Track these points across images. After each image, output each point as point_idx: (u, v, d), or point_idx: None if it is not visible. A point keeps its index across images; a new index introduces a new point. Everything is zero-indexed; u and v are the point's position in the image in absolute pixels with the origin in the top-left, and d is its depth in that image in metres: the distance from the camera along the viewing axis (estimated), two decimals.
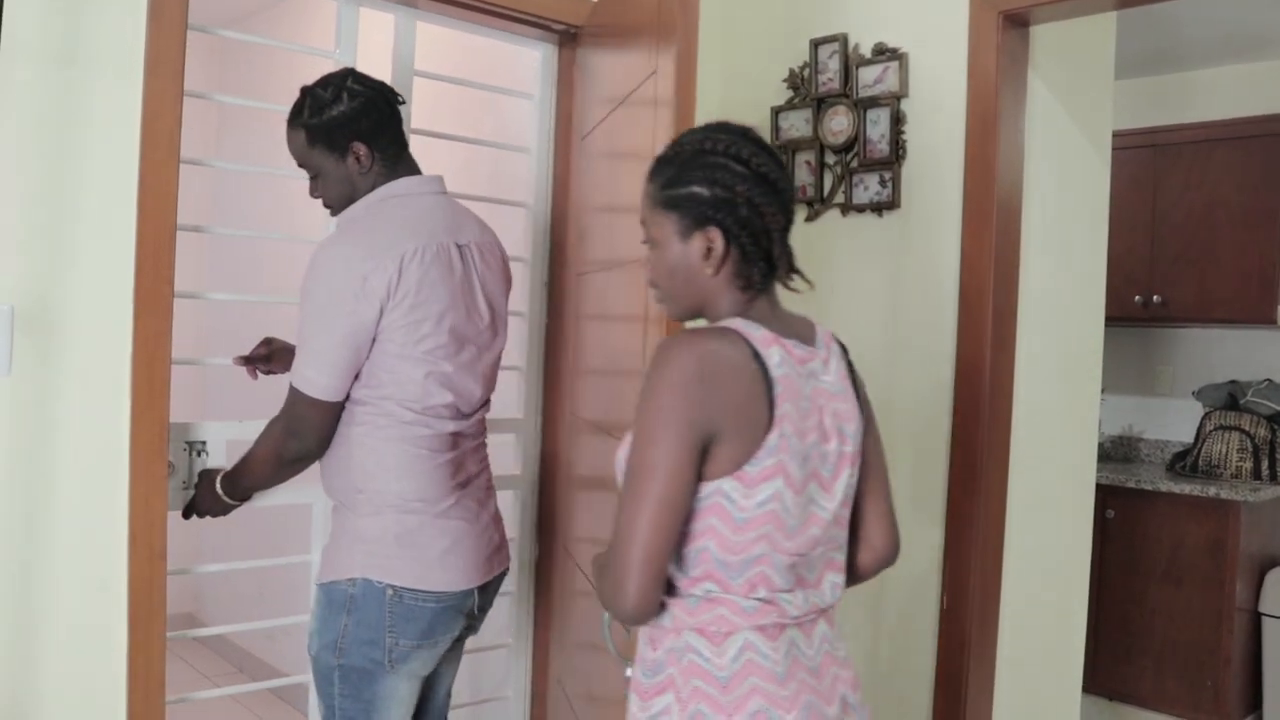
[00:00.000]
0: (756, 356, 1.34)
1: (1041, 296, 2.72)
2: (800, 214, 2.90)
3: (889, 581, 2.67)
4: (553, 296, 2.86)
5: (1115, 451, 4.79)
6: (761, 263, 1.43)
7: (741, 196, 1.40)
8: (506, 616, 2.89)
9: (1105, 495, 3.91)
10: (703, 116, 3.06)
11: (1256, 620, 3.99)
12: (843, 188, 2.80)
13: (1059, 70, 2.74)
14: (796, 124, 2.89)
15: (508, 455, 2.83)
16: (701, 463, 1.31)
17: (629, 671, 1.50)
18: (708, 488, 1.33)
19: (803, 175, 2.89)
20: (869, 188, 2.74)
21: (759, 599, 1.35)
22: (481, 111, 3.33)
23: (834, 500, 1.43)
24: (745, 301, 1.44)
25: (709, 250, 1.41)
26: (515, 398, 2.85)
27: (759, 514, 1.33)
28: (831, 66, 2.80)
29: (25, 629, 1.96)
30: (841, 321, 2.79)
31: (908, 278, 2.68)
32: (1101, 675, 4.08)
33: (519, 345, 2.83)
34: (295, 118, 2.03)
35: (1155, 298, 4.40)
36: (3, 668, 1.93)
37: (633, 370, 2.05)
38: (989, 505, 2.55)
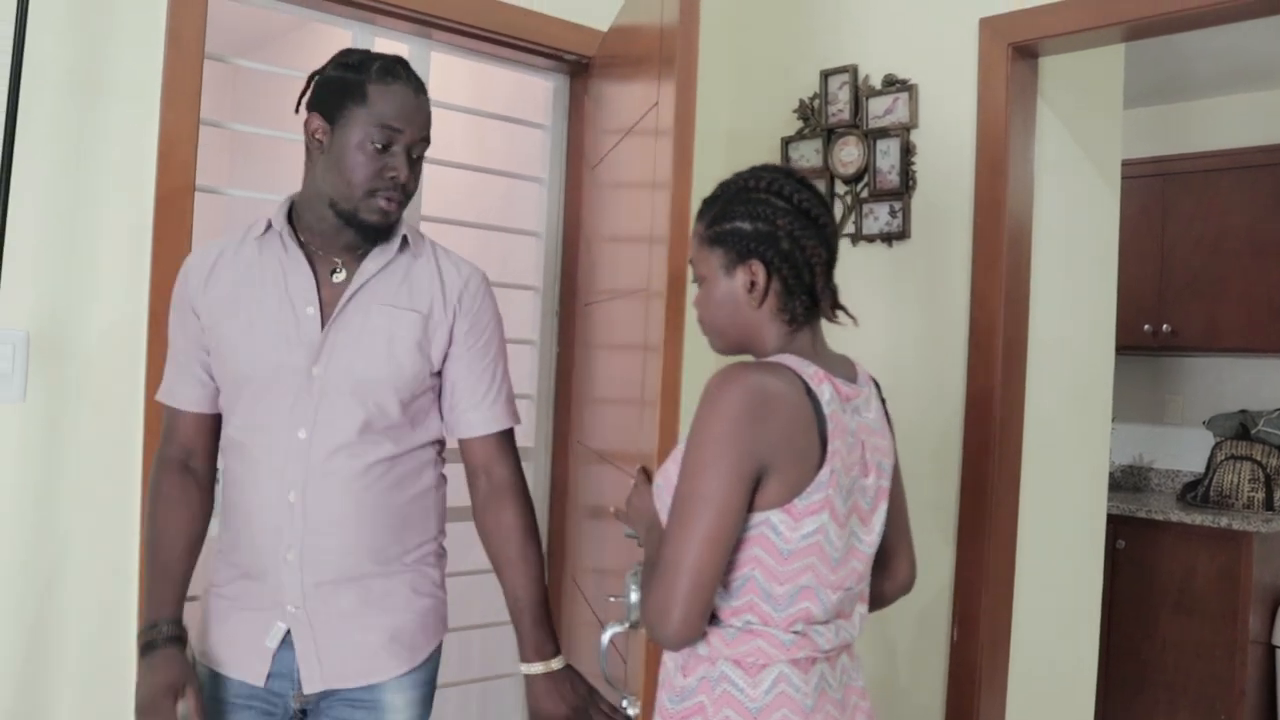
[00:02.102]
0: (809, 392, 1.37)
1: (1052, 326, 2.72)
2: None
3: (898, 614, 2.65)
4: (563, 325, 2.86)
5: (1125, 481, 4.78)
6: (804, 295, 1.46)
7: (783, 230, 1.44)
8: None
9: (1115, 525, 3.90)
10: (711, 147, 3.09)
11: (1270, 653, 3.96)
12: (853, 218, 2.81)
13: (1068, 100, 2.75)
14: (806, 154, 2.91)
15: None
16: (753, 490, 1.33)
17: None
18: (755, 518, 1.35)
19: None
20: (879, 218, 2.74)
21: (796, 633, 1.37)
22: (495, 140, 3.35)
23: (872, 533, 1.47)
24: (789, 336, 1.47)
25: (752, 283, 1.45)
26: (526, 425, 2.85)
27: (803, 546, 1.36)
28: (842, 97, 2.82)
29: (36, 656, 1.96)
30: (850, 351, 2.79)
31: (917, 307, 2.69)
32: (1113, 708, 4.05)
33: (530, 373, 2.83)
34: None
35: (1165, 326, 4.40)
36: (14, 695, 1.93)
37: (633, 399, 2.04)
38: (999, 537, 2.54)
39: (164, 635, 1.63)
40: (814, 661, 1.39)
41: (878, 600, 1.62)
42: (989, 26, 2.55)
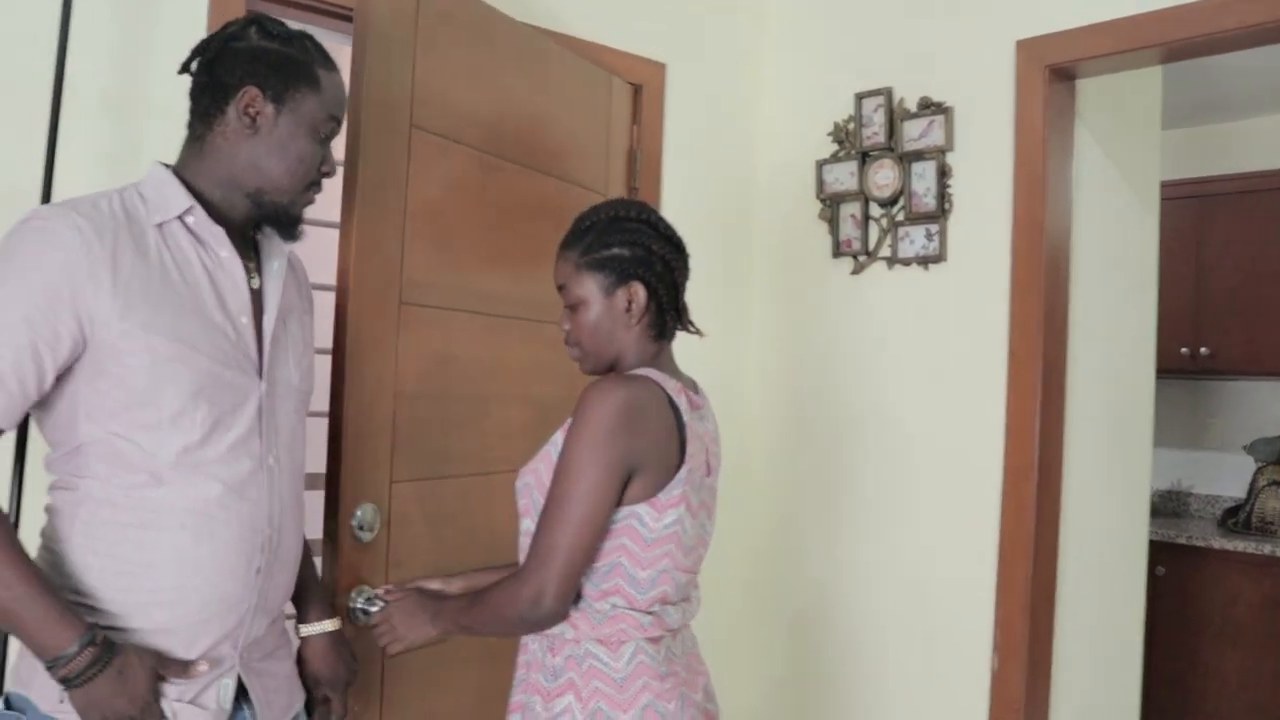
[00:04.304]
0: (670, 402, 1.54)
1: (1091, 350, 2.69)
2: (846, 266, 2.90)
3: (938, 642, 2.62)
4: None
5: (1164, 506, 4.70)
6: (672, 313, 1.64)
7: (656, 254, 1.61)
8: None
9: (1155, 552, 3.83)
10: (745, 169, 3.08)
11: None
12: (888, 241, 2.79)
13: (1106, 122, 2.73)
14: (841, 177, 2.89)
15: None
16: (622, 488, 1.51)
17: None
18: (623, 511, 1.52)
19: (848, 229, 2.88)
20: (915, 241, 2.72)
21: (652, 614, 1.56)
22: None
23: (712, 523, 1.68)
24: (654, 353, 1.64)
25: (630, 303, 1.60)
26: None
27: (664, 534, 1.54)
28: (876, 120, 2.80)
29: None
30: (887, 375, 2.77)
31: (955, 331, 2.66)
32: None
33: None
34: None
35: (1202, 349, 4.33)
36: None
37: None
38: (1040, 564, 2.50)
39: (100, 639, 1.32)
40: (662, 637, 1.58)
41: None
42: (1026, 49, 2.53)
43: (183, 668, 1.40)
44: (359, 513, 1.92)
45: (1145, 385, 3.05)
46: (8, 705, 1.40)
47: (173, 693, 1.40)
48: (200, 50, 1.50)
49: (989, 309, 2.58)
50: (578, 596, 1.55)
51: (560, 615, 1.52)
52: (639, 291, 1.60)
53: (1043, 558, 2.51)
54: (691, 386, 1.68)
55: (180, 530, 1.39)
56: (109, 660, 1.32)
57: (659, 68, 2.87)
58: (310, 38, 1.53)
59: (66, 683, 1.30)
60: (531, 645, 1.63)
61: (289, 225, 1.52)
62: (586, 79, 2.58)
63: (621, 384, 1.51)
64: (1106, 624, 2.84)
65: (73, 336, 1.33)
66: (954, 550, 2.61)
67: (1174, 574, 4.04)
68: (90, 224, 1.34)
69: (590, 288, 1.61)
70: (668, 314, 1.63)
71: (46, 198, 1.78)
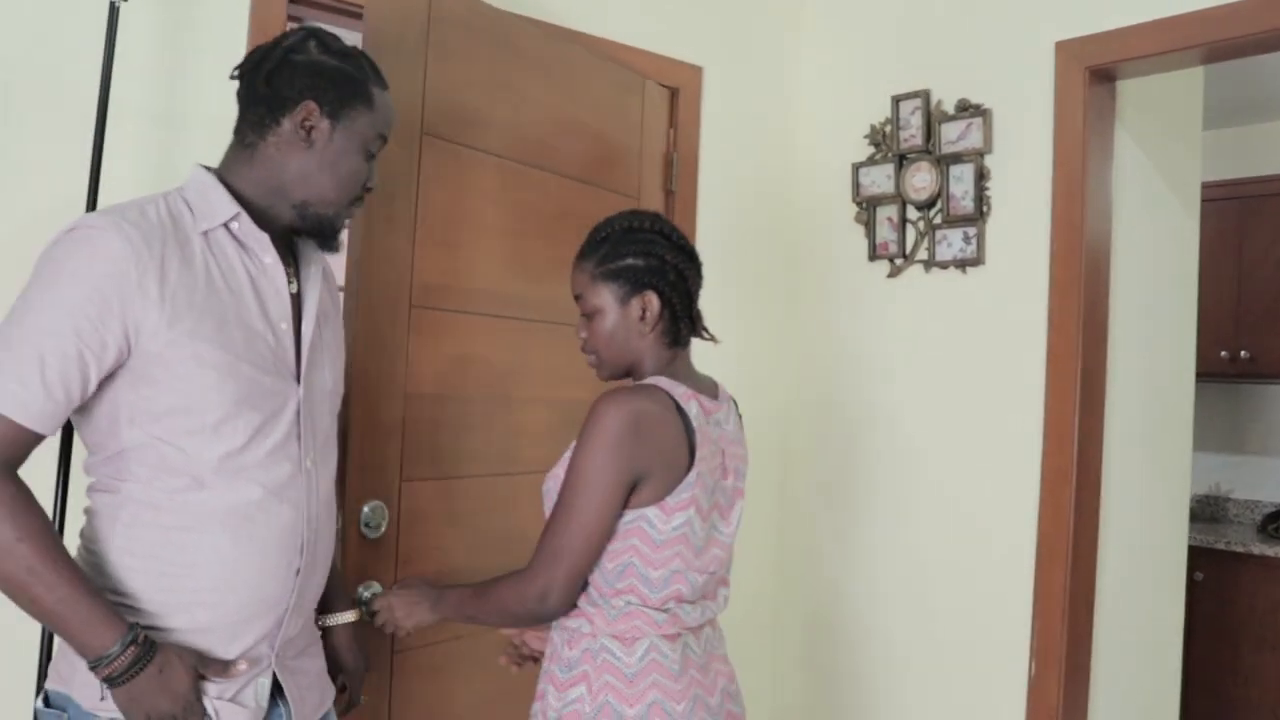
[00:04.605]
0: (679, 409, 1.59)
1: (1131, 353, 2.67)
2: (882, 269, 2.89)
3: (975, 647, 2.61)
4: None
5: (1202, 511, 4.65)
6: (685, 320, 1.68)
7: (670, 264, 1.65)
8: None
9: (1193, 557, 3.79)
10: (781, 172, 3.08)
11: None
12: (925, 244, 2.78)
13: (1146, 124, 2.70)
14: (878, 180, 2.88)
15: None
16: (629, 494, 1.56)
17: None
18: (632, 514, 1.57)
19: (884, 232, 2.87)
20: (953, 244, 2.71)
21: (666, 611, 1.60)
22: None
23: (730, 525, 1.70)
24: (669, 360, 1.68)
25: (644, 312, 1.65)
26: None
27: (673, 536, 1.58)
28: (914, 123, 2.79)
29: None
30: (924, 378, 2.76)
31: (992, 335, 2.64)
32: None
33: None
34: None
35: (1243, 353, 4.28)
36: None
37: None
38: (1078, 568, 2.48)
39: (141, 638, 1.34)
40: (680, 635, 1.61)
41: None
42: (1065, 50, 2.52)
43: (223, 667, 1.42)
44: (366, 510, 1.97)
45: (1185, 389, 3.02)
46: (47, 703, 1.42)
47: (213, 691, 1.42)
48: (258, 59, 1.51)
49: (1027, 312, 2.56)
50: (591, 591, 1.61)
51: (563, 611, 1.60)
52: (653, 300, 1.64)
53: (1081, 563, 2.49)
54: (710, 390, 1.72)
55: (221, 532, 1.41)
56: (150, 659, 1.34)
57: (696, 71, 2.88)
58: (365, 55, 1.57)
59: (109, 681, 1.33)
60: (554, 638, 1.68)
61: (330, 237, 1.55)
62: (617, 83, 2.59)
63: (628, 396, 1.56)
64: (1145, 630, 2.82)
65: (118, 346, 1.35)
66: (991, 554, 2.59)
67: (1212, 579, 4.00)
68: (139, 233, 1.36)
69: (605, 297, 1.66)
70: (681, 322, 1.68)
71: (92, 205, 1.81)
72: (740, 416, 1.80)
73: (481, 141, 2.20)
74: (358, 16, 2.26)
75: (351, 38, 1.72)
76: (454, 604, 1.72)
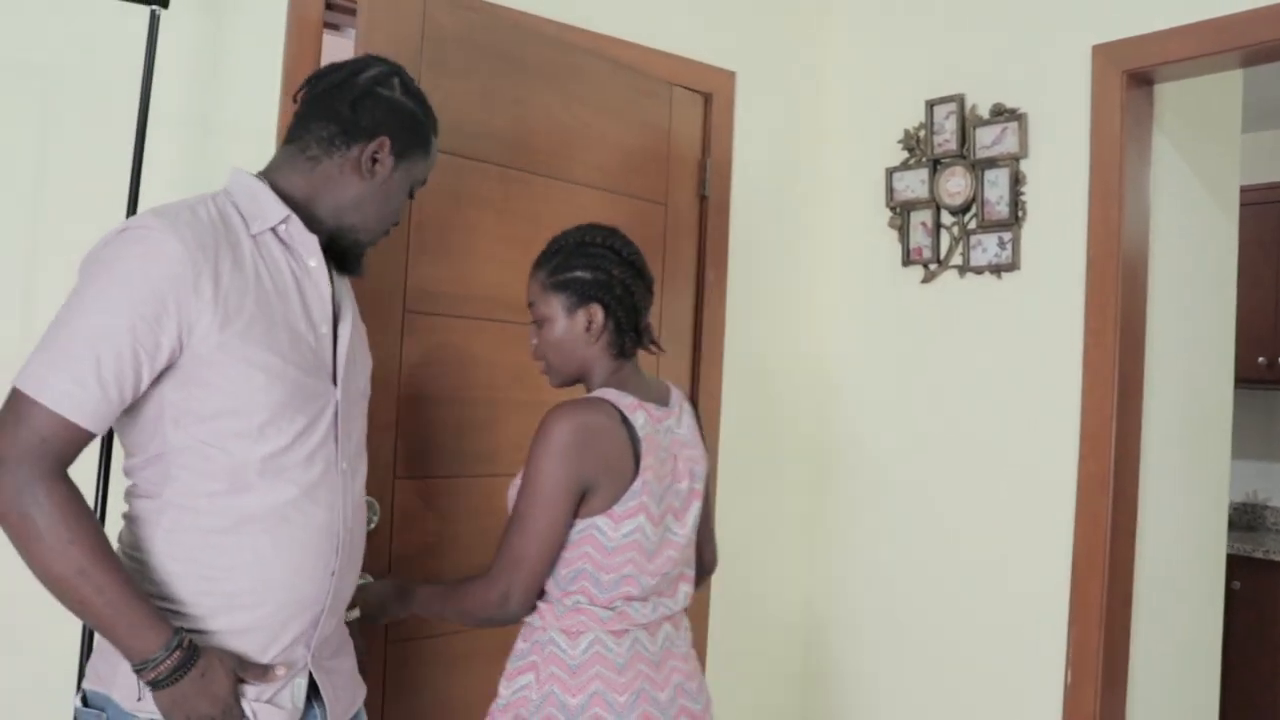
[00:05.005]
0: (624, 420, 1.65)
1: (1168, 359, 2.64)
2: (916, 275, 2.87)
3: (1011, 655, 2.59)
4: None
5: (1239, 519, 4.59)
6: (631, 333, 1.75)
7: (616, 279, 1.72)
8: None
9: (1230, 566, 3.73)
10: (814, 176, 3.07)
11: None
12: (960, 249, 2.76)
13: (1185, 128, 2.68)
14: (912, 184, 2.87)
15: None
16: (579, 504, 1.63)
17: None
18: (583, 523, 1.64)
19: (918, 236, 2.85)
20: (987, 249, 2.69)
21: (613, 609, 1.66)
22: None
23: (685, 527, 1.76)
24: (616, 369, 1.75)
25: (589, 323, 1.71)
26: None
27: (624, 542, 1.64)
28: (948, 127, 2.78)
29: None
30: (958, 385, 2.75)
31: (1028, 341, 2.62)
32: None
33: None
34: None
35: None
36: None
37: None
38: (1115, 576, 2.45)
39: (186, 642, 1.35)
40: (627, 630, 1.67)
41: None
42: (1102, 54, 2.50)
43: (261, 671, 1.43)
44: None
45: (1223, 395, 2.98)
46: (85, 703, 1.44)
47: (251, 693, 1.43)
48: (338, 81, 1.55)
49: (1063, 318, 2.54)
50: (544, 594, 1.69)
51: (523, 614, 1.68)
52: (597, 313, 1.71)
53: (1118, 571, 2.47)
54: (661, 397, 1.78)
55: (261, 534, 1.43)
56: (193, 663, 1.35)
57: (729, 76, 2.88)
58: (428, 101, 1.64)
59: (154, 685, 1.34)
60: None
61: (356, 261, 1.61)
62: (639, 90, 2.60)
63: (574, 409, 1.63)
64: (1183, 639, 2.78)
65: (171, 347, 1.36)
66: (1027, 562, 2.57)
67: (1250, 588, 3.95)
68: (193, 234, 1.37)
69: (555, 306, 1.73)
70: (626, 335, 1.74)
71: (133, 209, 1.83)
72: (698, 419, 1.87)
73: (481, 152, 2.25)
74: None
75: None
76: (422, 600, 1.78)
